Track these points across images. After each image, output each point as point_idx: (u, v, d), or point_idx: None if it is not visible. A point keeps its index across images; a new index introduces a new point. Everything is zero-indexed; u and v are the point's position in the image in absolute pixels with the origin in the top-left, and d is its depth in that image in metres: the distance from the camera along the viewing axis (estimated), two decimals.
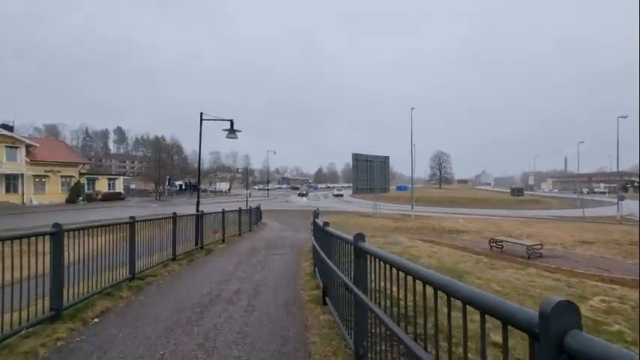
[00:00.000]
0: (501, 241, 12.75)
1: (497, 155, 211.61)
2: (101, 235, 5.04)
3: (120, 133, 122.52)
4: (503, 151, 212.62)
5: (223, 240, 11.38)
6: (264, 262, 7.85)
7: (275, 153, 64.41)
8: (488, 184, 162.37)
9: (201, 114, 9.66)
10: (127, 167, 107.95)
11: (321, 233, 5.07)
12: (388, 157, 28.84)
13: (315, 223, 6.33)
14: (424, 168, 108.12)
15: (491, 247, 12.84)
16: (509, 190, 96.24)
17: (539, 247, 11.79)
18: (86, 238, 4.52)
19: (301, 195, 64.65)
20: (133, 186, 72.80)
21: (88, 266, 4.51)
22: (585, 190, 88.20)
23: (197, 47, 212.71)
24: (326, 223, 4.46)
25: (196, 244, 9.63)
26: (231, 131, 9.65)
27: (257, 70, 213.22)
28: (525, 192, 72.10)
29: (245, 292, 5.37)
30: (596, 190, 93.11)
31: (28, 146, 34.95)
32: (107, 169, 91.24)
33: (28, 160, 34.39)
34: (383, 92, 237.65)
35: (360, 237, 2.67)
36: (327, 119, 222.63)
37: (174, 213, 7.56)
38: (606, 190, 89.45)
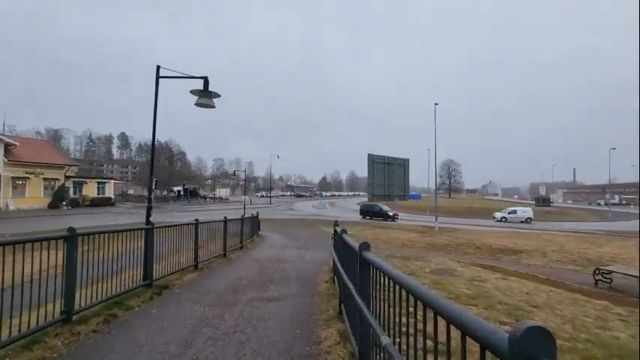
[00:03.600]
0: (609, 272, 8.71)
1: (502, 165, 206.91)
2: None
3: (124, 138, 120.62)
4: (508, 162, 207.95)
5: (196, 266, 7.61)
6: (247, 326, 4.05)
7: (278, 157, 59.91)
8: (496, 194, 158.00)
9: (158, 67, 6.03)
10: (129, 172, 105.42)
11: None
12: (408, 159, 25.04)
13: (363, 261, 2.51)
14: (431, 176, 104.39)
15: (596, 281, 8.80)
16: (521, 200, 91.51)
17: None
18: None
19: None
20: (131, 191, 69.84)
21: None
22: (602, 202, 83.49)
23: (200, 54, 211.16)
24: None
25: (145, 277, 5.91)
26: (205, 94, 5.95)
27: (261, 78, 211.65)
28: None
29: None
30: (624, 202, 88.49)
31: (7, 145, 31.64)
32: (109, 174, 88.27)
33: (6, 160, 31.03)
34: (386, 100, 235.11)
35: None
36: (330, 128, 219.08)
37: (71, 229, 3.83)
38: (625, 202, 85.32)
